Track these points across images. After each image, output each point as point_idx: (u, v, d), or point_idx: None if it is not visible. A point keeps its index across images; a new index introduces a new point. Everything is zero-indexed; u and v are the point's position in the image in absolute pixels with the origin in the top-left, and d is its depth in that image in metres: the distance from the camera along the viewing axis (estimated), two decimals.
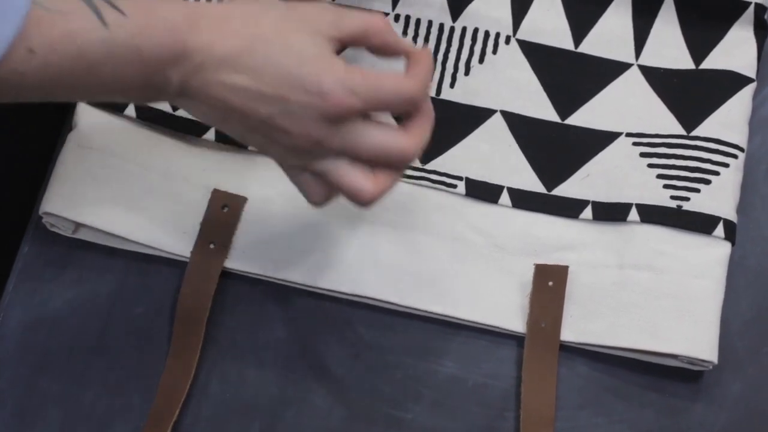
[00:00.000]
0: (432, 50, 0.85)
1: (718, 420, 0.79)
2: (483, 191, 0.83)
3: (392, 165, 0.70)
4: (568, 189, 0.83)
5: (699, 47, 0.85)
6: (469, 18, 0.86)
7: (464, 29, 0.86)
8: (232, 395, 0.79)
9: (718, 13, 0.85)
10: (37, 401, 0.79)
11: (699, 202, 0.81)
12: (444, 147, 0.83)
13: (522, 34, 0.86)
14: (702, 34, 0.85)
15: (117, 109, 0.83)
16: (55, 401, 0.79)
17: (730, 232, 0.80)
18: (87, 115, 0.82)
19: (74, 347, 0.80)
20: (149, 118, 0.83)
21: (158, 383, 0.78)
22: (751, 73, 0.84)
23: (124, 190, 0.81)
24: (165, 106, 0.83)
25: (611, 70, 0.85)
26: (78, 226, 0.81)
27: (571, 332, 0.79)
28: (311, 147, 0.68)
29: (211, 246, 0.81)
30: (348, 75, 0.67)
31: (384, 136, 0.69)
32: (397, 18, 0.86)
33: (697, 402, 0.79)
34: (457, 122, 0.84)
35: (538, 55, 0.85)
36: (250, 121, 0.68)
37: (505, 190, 0.83)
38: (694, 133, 0.83)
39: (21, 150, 0.93)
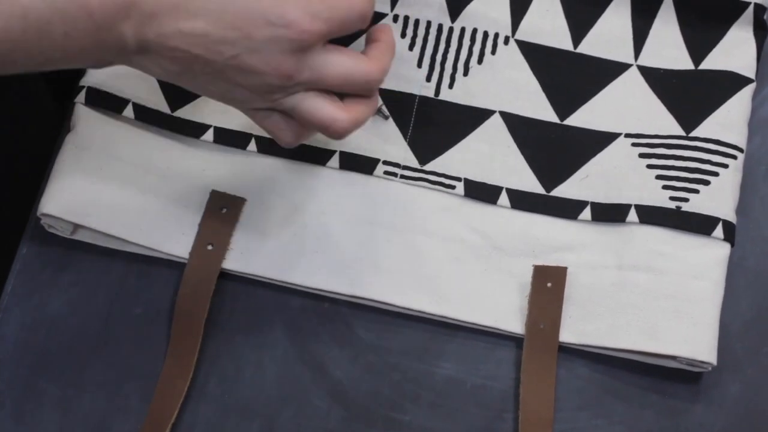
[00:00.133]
0: (431, 51, 0.85)
1: (718, 421, 0.79)
2: (482, 192, 0.83)
3: (357, 91, 0.70)
4: (567, 190, 0.82)
5: (698, 47, 0.85)
6: (468, 18, 0.86)
7: (463, 29, 0.86)
8: (231, 396, 0.79)
9: (717, 13, 0.85)
10: (36, 402, 0.79)
11: (698, 203, 0.81)
12: (443, 148, 0.83)
13: (521, 34, 0.85)
14: (701, 34, 0.85)
15: (115, 110, 0.83)
16: (54, 402, 0.79)
17: (730, 232, 0.80)
18: (85, 117, 0.82)
19: (73, 348, 0.80)
20: (148, 119, 0.83)
21: (157, 384, 0.78)
22: (750, 73, 0.84)
23: (123, 191, 0.81)
24: (163, 107, 0.83)
25: (610, 70, 0.85)
26: (76, 227, 0.81)
27: (570, 333, 0.79)
28: (282, 82, 0.68)
29: (210, 247, 0.80)
30: (308, 1, 0.66)
31: (349, 61, 0.69)
32: (396, 18, 0.86)
33: (697, 403, 0.79)
34: (455, 123, 0.84)
35: (537, 55, 0.85)
36: (215, 66, 0.67)
37: (503, 191, 0.83)
38: (693, 134, 0.82)
39: (19, 151, 0.93)
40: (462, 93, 0.84)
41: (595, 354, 0.80)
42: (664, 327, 0.78)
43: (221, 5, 0.65)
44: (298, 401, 0.79)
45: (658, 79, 0.84)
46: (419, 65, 0.85)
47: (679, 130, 0.83)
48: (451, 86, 0.85)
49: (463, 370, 0.80)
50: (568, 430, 0.78)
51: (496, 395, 0.79)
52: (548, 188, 0.83)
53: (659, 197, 0.81)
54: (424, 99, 0.84)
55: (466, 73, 0.85)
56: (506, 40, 0.85)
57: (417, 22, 0.85)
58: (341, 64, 0.69)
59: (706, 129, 0.82)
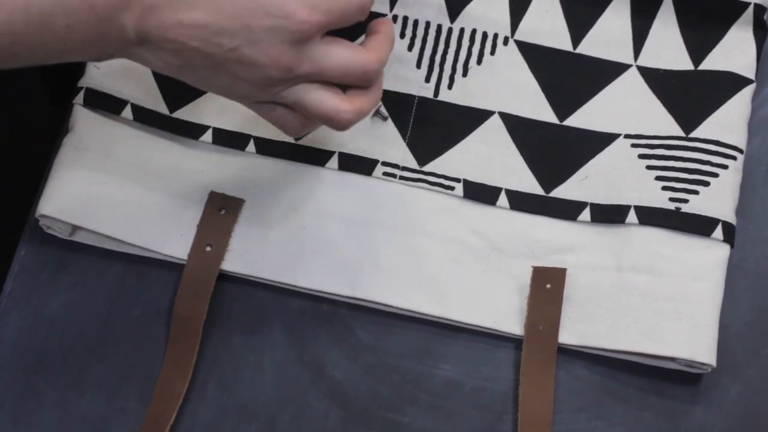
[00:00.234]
0: (430, 51, 0.85)
1: (717, 423, 0.79)
2: (481, 193, 0.83)
3: (356, 82, 0.70)
4: (566, 191, 0.82)
5: (698, 48, 0.85)
6: (467, 19, 0.85)
7: (462, 30, 0.85)
8: (230, 398, 0.79)
9: (717, 13, 0.85)
10: (35, 403, 0.79)
11: (698, 204, 0.80)
12: (442, 148, 0.83)
13: (520, 35, 0.85)
14: (701, 34, 0.85)
15: (114, 111, 0.83)
16: (52, 404, 0.79)
17: (729, 234, 0.80)
18: (84, 118, 0.82)
19: (71, 349, 0.80)
20: (146, 120, 0.83)
21: (156, 385, 0.78)
22: (750, 74, 0.84)
23: (121, 192, 0.81)
24: (162, 108, 0.83)
25: (610, 71, 0.85)
26: (75, 228, 0.81)
27: (569, 335, 0.79)
28: (282, 75, 0.68)
29: (208, 248, 0.80)
30: None
31: (347, 52, 0.69)
32: (395, 18, 0.85)
33: (696, 405, 0.79)
34: (455, 124, 0.84)
35: (536, 56, 0.85)
36: (215, 59, 0.67)
37: (503, 192, 0.83)
38: (692, 135, 0.82)
39: (18, 152, 0.93)
40: (461, 94, 0.84)
41: (594, 355, 0.80)
42: (663, 328, 0.78)
43: None
44: (297, 402, 0.79)
45: (657, 80, 0.84)
46: (418, 66, 0.85)
47: (678, 131, 0.83)
48: (450, 87, 0.84)
49: (463, 371, 0.80)
50: (568, 431, 0.78)
51: (495, 397, 0.79)
52: (547, 189, 0.83)
53: (659, 198, 0.81)
54: (423, 100, 0.84)
55: (465, 74, 0.85)
56: (505, 41, 0.85)
57: (416, 22, 0.85)
58: (340, 55, 0.69)
59: (705, 130, 0.82)
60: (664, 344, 0.78)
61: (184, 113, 0.83)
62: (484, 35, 0.85)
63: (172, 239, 0.81)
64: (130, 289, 0.81)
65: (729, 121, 0.82)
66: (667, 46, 0.85)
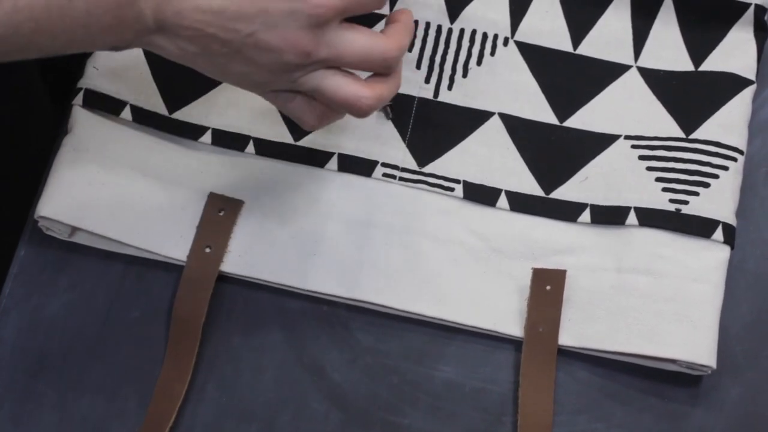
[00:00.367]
0: (430, 52, 0.85)
1: (717, 424, 0.79)
2: (481, 194, 0.82)
3: (375, 69, 0.70)
4: (566, 192, 0.82)
5: (698, 49, 0.84)
6: (467, 19, 0.85)
7: (462, 31, 0.85)
8: (229, 399, 0.79)
9: (717, 14, 0.84)
10: (34, 405, 0.79)
11: (698, 206, 0.80)
12: (442, 150, 0.83)
13: (520, 35, 0.85)
14: (701, 35, 0.85)
15: (113, 112, 0.82)
16: (52, 405, 0.79)
17: (729, 235, 0.80)
18: (83, 119, 0.82)
19: (71, 350, 0.80)
20: (145, 121, 0.83)
21: (155, 387, 0.78)
22: (750, 75, 0.84)
23: (120, 193, 0.81)
24: (161, 109, 0.83)
25: (610, 72, 0.84)
26: (74, 229, 0.81)
27: (569, 336, 0.79)
28: (300, 59, 0.67)
29: (208, 250, 0.80)
30: None
31: (366, 38, 0.69)
32: None
33: (696, 407, 0.79)
34: (454, 125, 0.84)
35: (536, 56, 0.85)
36: (232, 45, 0.67)
37: (503, 194, 0.82)
38: (693, 136, 0.82)
39: (18, 153, 0.93)
40: (461, 95, 0.84)
41: (594, 357, 0.79)
42: (663, 330, 0.78)
43: None
44: (296, 404, 0.79)
45: (658, 81, 0.84)
46: (418, 67, 0.84)
47: (679, 132, 0.82)
48: (450, 88, 0.84)
49: (462, 373, 0.80)
50: None
51: (495, 398, 0.79)
52: (547, 190, 0.82)
53: (659, 200, 0.81)
54: (422, 101, 0.84)
55: (465, 75, 0.85)
56: (505, 42, 0.85)
57: (416, 23, 0.85)
58: (359, 40, 0.69)
59: (706, 131, 0.82)
60: (664, 346, 0.78)
61: (184, 114, 0.83)
62: (484, 36, 0.85)
63: (172, 240, 0.81)
64: (129, 290, 0.81)
65: (729, 123, 0.82)
66: (667, 47, 0.85)
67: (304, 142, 0.83)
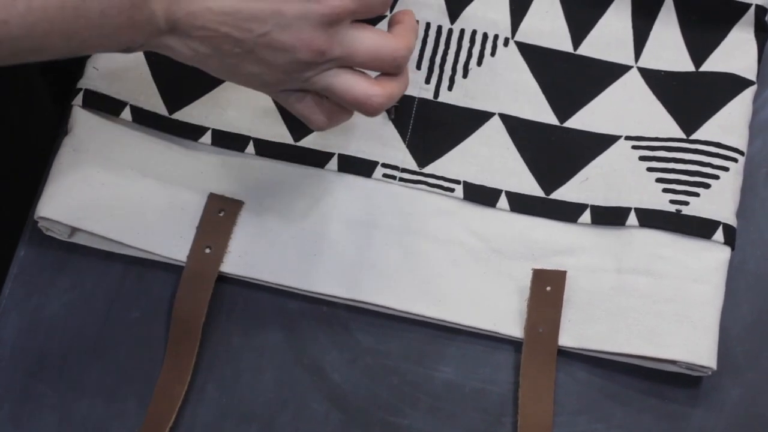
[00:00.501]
0: (430, 52, 0.85)
1: (718, 425, 0.79)
2: (481, 195, 0.82)
3: (385, 68, 0.71)
4: (566, 193, 0.82)
5: (699, 49, 0.84)
6: (467, 20, 0.85)
7: (462, 31, 0.85)
8: (229, 400, 0.79)
9: (718, 15, 0.84)
10: (33, 406, 0.79)
11: (698, 207, 0.80)
12: (442, 150, 0.83)
13: (520, 36, 0.85)
14: (702, 36, 0.85)
15: (113, 112, 0.82)
16: (51, 406, 0.79)
17: (730, 236, 0.80)
18: (83, 119, 0.82)
19: (70, 351, 0.80)
20: (145, 122, 0.83)
21: (155, 387, 0.78)
22: (751, 75, 0.84)
23: (120, 194, 0.81)
24: (161, 109, 0.83)
25: (610, 72, 0.84)
26: (74, 230, 0.81)
27: (569, 337, 0.79)
28: (314, 58, 0.68)
29: (207, 250, 0.80)
30: None
31: (378, 37, 0.70)
32: None
33: (697, 407, 0.79)
34: (455, 125, 0.84)
35: (536, 57, 0.85)
36: (245, 45, 0.67)
37: (503, 194, 0.82)
38: (693, 137, 0.82)
39: (17, 153, 0.93)
40: (461, 95, 0.84)
41: (594, 358, 0.79)
42: (663, 331, 0.78)
43: None
44: (296, 405, 0.79)
45: (658, 81, 0.84)
46: (418, 67, 0.84)
47: (679, 133, 0.82)
48: (450, 88, 0.84)
49: (462, 373, 0.80)
50: None
51: (495, 399, 0.79)
52: (548, 191, 0.82)
53: (659, 200, 0.81)
54: (423, 101, 0.84)
55: (465, 75, 0.85)
56: (506, 42, 0.85)
57: (416, 23, 0.85)
58: (369, 39, 0.69)
59: (706, 132, 0.82)
60: (665, 347, 0.78)
61: (184, 114, 0.83)
62: (485, 36, 0.85)
63: (172, 241, 0.80)
64: (129, 290, 0.81)
65: (730, 123, 0.82)
66: (668, 48, 0.85)
67: (304, 142, 0.83)
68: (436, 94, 0.84)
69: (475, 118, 0.84)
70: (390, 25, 0.73)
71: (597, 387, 0.79)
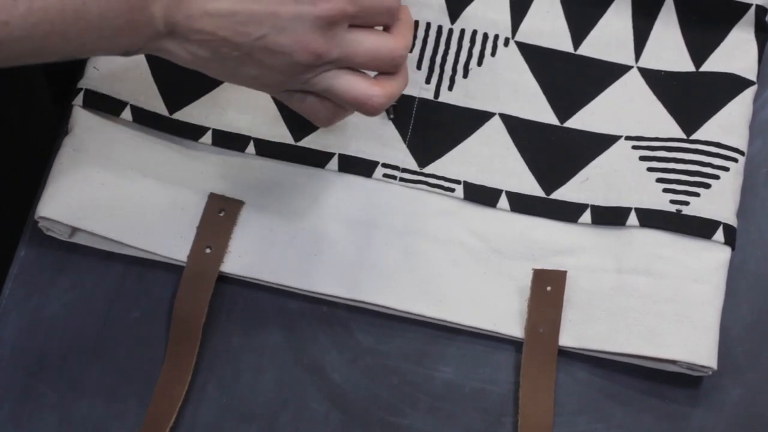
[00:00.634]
0: (431, 52, 0.85)
1: (718, 425, 0.79)
2: (481, 195, 0.82)
3: (383, 68, 0.71)
4: (566, 193, 0.82)
5: (699, 49, 0.84)
6: (467, 20, 0.85)
7: (463, 31, 0.85)
8: (229, 400, 0.79)
9: (718, 15, 0.84)
10: (33, 406, 0.79)
11: (698, 207, 0.80)
12: (442, 150, 0.83)
13: (521, 36, 0.85)
14: (702, 36, 0.85)
15: (113, 112, 0.82)
16: (52, 406, 0.79)
17: (730, 236, 0.80)
18: (83, 119, 0.82)
19: (71, 351, 0.80)
20: (146, 122, 0.83)
21: (155, 388, 0.78)
22: (751, 75, 0.84)
23: (120, 194, 0.81)
24: (161, 109, 0.83)
25: (611, 72, 0.84)
26: (74, 230, 0.81)
27: (569, 337, 0.79)
28: (311, 61, 0.68)
29: (208, 250, 0.80)
30: None
31: (375, 38, 0.70)
32: None
33: (697, 407, 0.79)
34: (455, 125, 0.84)
35: (536, 57, 0.85)
36: (243, 48, 0.67)
37: (503, 194, 0.82)
38: (693, 137, 0.82)
39: (17, 153, 0.93)
40: (461, 95, 0.84)
41: (594, 358, 0.79)
42: (664, 331, 0.78)
43: None
44: (296, 405, 0.79)
45: (658, 82, 0.84)
46: (418, 67, 0.84)
47: (679, 133, 0.82)
48: (450, 88, 0.84)
49: (462, 373, 0.80)
50: None
51: (495, 399, 0.79)
52: (548, 191, 0.82)
53: (659, 200, 0.81)
54: (423, 101, 0.84)
55: (465, 75, 0.85)
56: (506, 42, 0.85)
57: (416, 23, 0.85)
58: (367, 40, 0.69)
59: (706, 132, 0.82)
60: (665, 347, 0.78)
61: (184, 114, 0.83)
62: (485, 36, 0.85)
63: (172, 241, 0.80)
64: (129, 290, 0.81)
65: (730, 123, 0.82)
66: (668, 48, 0.85)
67: (305, 142, 0.83)
68: (437, 94, 0.84)
69: (476, 118, 0.84)
70: None
71: (597, 387, 0.79)
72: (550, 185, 0.82)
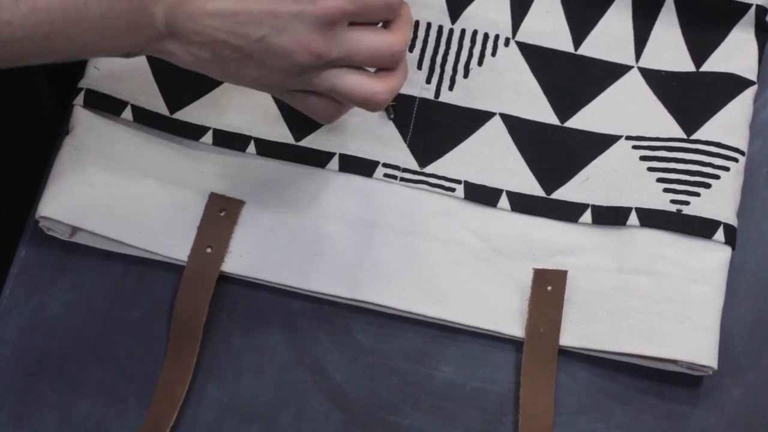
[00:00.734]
0: (431, 52, 0.85)
1: (718, 425, 0.79)
2: (482, 195, 0.82)
3: (384, 64, 0.71)
4: (567, 193, 0.82)
5: (699, 49, 0.84)
6: (468, 20, 0.85)
7: (463, 31, 0.85)
8: (230, 400, 0.79)
9: (718, 15, 0.84)
10: (34, 406, 0.79)
11: (699, 206, 0.80)
12: (443, 150, 0.83)
13: (521, 36, 0.85)
14: (702, 36, 0.85)
15: (114, 112, 0.82)
16: (52, 406, 0.79)
17: (731, 236, 0.80)
18: (84, 119, 0.82)
19: (71, 351, 0.80)
20: (146, 121, 0.82)
21: (155, 387, 0.78)
22: (752, 75, 0.84)
23: (121, 193, 0.81)
24: (162, 109, 0.83)
25: (611, 72, 0.84)
26: (75, 229, 0.81)
27: (570, 337, 0.79)
28: (312, 61, 0.68)
29: (208, 250, 0.80)
30: None
31: (375, 36, 0.70)
32: None
33: (697, 407, 0.79)
34: (455, 125, 0.84)
35: (537, 57, 0.85)
36: (243, 50, 0.67)
37: (504, 194, 0.82)
38: (694, 137, 0.82)
39: (18, 153, 0.93)
40: (462, 95, 0.84)
41: (594, 357, 0.79)
42: (664, 330, 0.78)
43: None
44: (297, 404, 0.79)
45: (659, 82, 0.84)
46: (419, 67, 0.84)
47: (680, 133, 0.82)
48: (451, 88, 0.84)
49: (463, 373, 0.80)
50: None
51: (495, 399, 0.79)
52: (548, 191, 0.82)
53: (660, 200, 0.81)
54: (424, 101, 0.84)
55: (466, 75, 0.85)
56: (507, 42, 0.85)
57: (417, 23, 0.85)
58: (366, 38, 0.69)
59: (707, 132, 0.82)
60: (665, 346, 0.78)
61: (185, 114, 0.83)
62: (485, 36, 0.85)
63: (173, 241, 0.80)
64: (130, 290, 0.81)
65: (730, 123, 0.82)
66: (668, 48, 0.85)
67: (305, 142, 0.83)
68: (437, 94, 0.84)
69: (476, 118, 0.84)
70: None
71: (597, 387, 0.79)
72: (550, 185, 0.82)
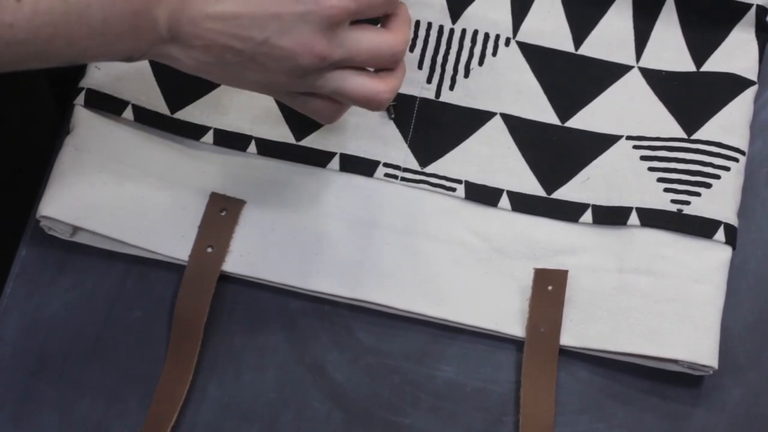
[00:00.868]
0: (432, 52, 0.85)
1: (719, 425, 0.79)
2: (482, 194, 0.82)
3: (384, 64, 0.71)
4: (567, 192, 0.82)
5: (700, 49, 0.84)
6: (468, 20, 0.85)
7: (464, 31, 0.85)
8: (231, 399, 0.79)
9: (719, 15, 0.85)
10: (34, 406, 0.78)
11: (699, 206, 0.80)
12: (443, 150, 0.83)
13: (522, 36, 0.85)
14: (703, 36, 0.85)
15: (115, 112, 0.82)
16: (52, 405, 0.79)
17: (731, 236, 0.80)
18: (85, 119, 0.82)
19: (71, 351, 0.80)
20: (147, 121, 0.83)
21: (156, 387, 0.78)
22: (752, 75, 0.84)
23: (122, 193, 0.81)
24: (163, 109, 0.83)
25: (612, 72, 0.84)
26: (76, 229, 0.81)
27: (570, 337, 0.79)
28: (316, 63, 0.68)
29: (209, 249, 0.80)
30: None
31: (375, 36, 0.70)
32: None
33: (698, 407, 0.79)
34: (456, 125, 0.84)
35: (538, 57, 0.85)
36: (246, 54, 0.67)
37: (504, 194, 0.82)
38: (694, 137, 0.82)
39: (19, 152, 0.93)
40: (463, 95, 0.84)
41: (595, 357, 0.79)
42: (665, 330, 0.78)
43: None
44: (297, 404, 0.79)
45: (659, 81, 0.84)
46: (420, 67, 0.85)
47: (680, 133, 0.83)
48: (451, 88, 0.84)
49: (463, 373, 0.80)
50: None
51: (496, 398, 0.79)
52: (549, 191, 0.82)
53: (660, 200, 0.81)
54: (424, 101, 0.84)
55: (467, 75, 0.85)
56: (507, 42, 0.85)
57: (418, 23, 0.85)
58: (367, 39, 0.69)
59: (707, 132, 0.82)
60: (666, 346, 0.78)
61: (185, 114, 0.83)
62: (486, 36, 0.85)
63: (173, 240, 0.80)
64: (130, 290, 0.81)
65: (731, 123, 0.82)
66: (669, 48, 0.85)
67: (306, 142, 0.83)
68: (438, 93, 0.84)
69: (477, 118, 0.84)
70: (384, 17, 0.73)
71: (598, 386, 0.79)
72: (551, 185, 0.82)
